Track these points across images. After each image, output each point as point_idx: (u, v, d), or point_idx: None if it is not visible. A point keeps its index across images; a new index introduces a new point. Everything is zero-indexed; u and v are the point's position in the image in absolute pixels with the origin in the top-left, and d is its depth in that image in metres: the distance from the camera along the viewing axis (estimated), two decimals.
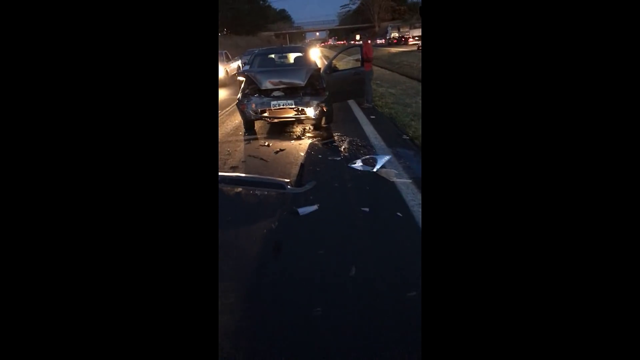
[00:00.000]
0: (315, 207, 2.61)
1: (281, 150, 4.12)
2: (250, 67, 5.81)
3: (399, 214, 2.44)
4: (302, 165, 3.41)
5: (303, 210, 2.55)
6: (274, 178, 3.05)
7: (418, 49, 21.26)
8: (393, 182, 3.00)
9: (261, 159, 3.84)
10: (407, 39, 34.36)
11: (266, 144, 4.39)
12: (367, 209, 2.54)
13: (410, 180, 2.96)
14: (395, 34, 39.11)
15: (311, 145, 4.26)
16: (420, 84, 8.11)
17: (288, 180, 2.96)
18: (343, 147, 4.08)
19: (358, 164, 3.43)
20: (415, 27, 38.34)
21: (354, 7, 71.77)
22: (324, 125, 5.09)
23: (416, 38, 32.83)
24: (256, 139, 4.74)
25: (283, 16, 78.92)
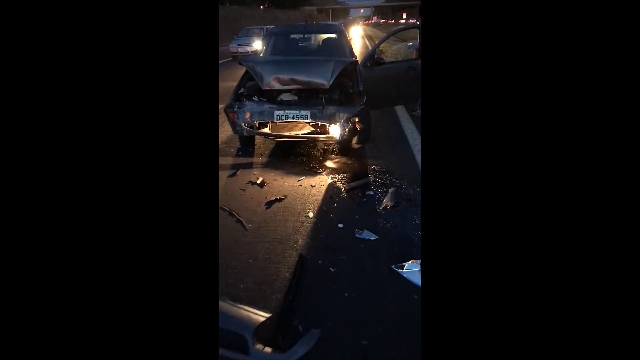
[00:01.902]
0: None
1: (278, 199, 2.47)
2: (262, 54, 4.12)
3: None
4: (301, 258, 1.76)
5: None
6: (234, 312, 1.42)
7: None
8: None
9: (238, 219, 2.22)
10: None
11: (258, 180, 2.75)
12: None
13: None
14: None
15: (330, 192, 2.58)
16: None
17: (263, 318, 1.33)
18: (384, 204, 2.38)
19: (415, 271, 1.73)
20: None
21: None
22: (356, 146, 3.38)
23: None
24: (249, 165, 3.12)
25: None
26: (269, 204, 2.43)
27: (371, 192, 2.56)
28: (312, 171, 2.94)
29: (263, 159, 3.23)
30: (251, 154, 3.34)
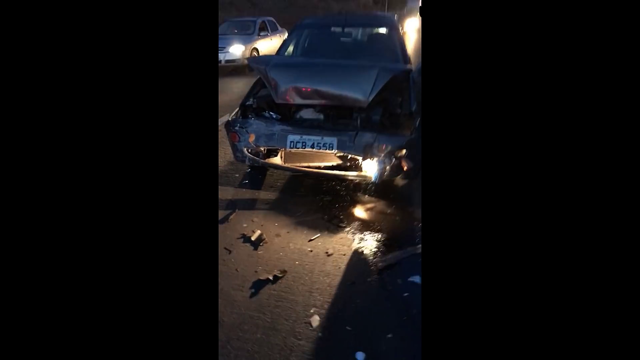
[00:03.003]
0: None
1: (272, 279, 1.65)
2: (287, 52, 3.28)
3: None
4: None
5: None
6: None
7: None
8: None
9: None
10: None
11: (254, 235, 1.94)
12: None
13: None
14: None
15: (352, 271, 1.71)
16: None
17: None
18: None
19: None
20: None
21: None
22: (401, 182, 2.47)
23: None
24: (251, 204, 2.32)
25: None
26: (258, 286, 1.61)
27: (417, 278, 1.65)
28: (333, 223, 2.08)
29: (271, 195, 2.42)
30: (259, 185, 2.54)
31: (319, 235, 1.97)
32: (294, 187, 2.50)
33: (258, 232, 1.95)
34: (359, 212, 2.21)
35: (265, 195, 2.42)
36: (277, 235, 1.97)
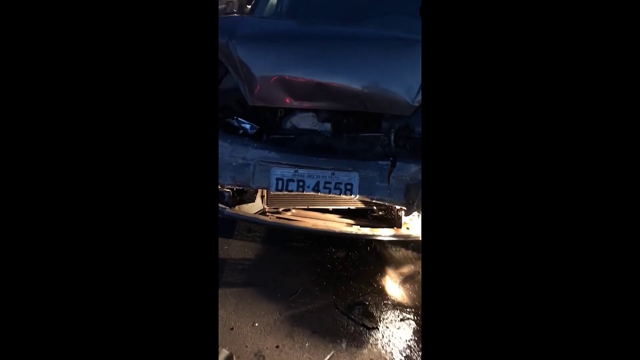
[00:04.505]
0: None
1: None
2: (274, 4, 2.22)
3: None
4: None
5: None
6: None
7: None
8: None
9: None
10: None
11: (218, 356, 1.09)
12: None
13: None
14: None
15: None
16: None
17: None
18: None
19: None
20: None
21: None
22: None
23: None
24: (219, 269, 1.44)
25: None
26: None
27: None
28: (353, 320, 1.22)
29: (249, 250, 1.52)
30: (230, 230, 1.64)
31: (333, 354, 1.11)
32: (285, 234, 1.61)
33: (225, 353, 1.09)
34: (393, 287, 1.34)
35: (239, 249, 1.52)
36: (258, 355, 1.11)
